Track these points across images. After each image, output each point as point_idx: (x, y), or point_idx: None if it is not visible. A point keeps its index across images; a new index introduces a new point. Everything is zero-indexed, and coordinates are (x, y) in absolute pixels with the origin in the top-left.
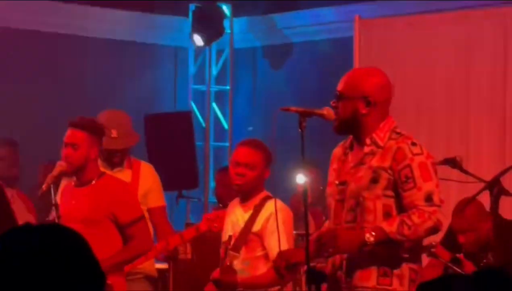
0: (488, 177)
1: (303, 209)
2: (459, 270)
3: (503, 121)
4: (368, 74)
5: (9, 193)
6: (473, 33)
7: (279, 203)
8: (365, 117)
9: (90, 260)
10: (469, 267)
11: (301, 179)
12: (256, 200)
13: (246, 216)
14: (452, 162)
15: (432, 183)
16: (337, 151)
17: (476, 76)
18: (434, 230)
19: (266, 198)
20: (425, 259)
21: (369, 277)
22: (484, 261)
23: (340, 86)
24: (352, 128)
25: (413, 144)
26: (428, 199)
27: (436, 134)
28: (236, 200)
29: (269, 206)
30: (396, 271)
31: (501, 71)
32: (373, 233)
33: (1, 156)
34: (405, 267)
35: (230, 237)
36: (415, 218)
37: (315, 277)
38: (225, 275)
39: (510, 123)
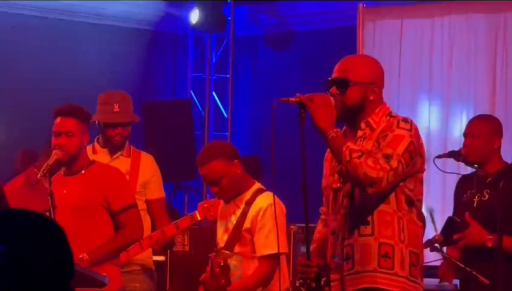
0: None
1: None
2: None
3: (504, 115)
4: (370, 61)
5: None
6: (474, 22)
7: (271, 197)
8: (369, 104)
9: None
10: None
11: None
12: (248, 194)
13: (238, 212)
14: (457, 155)
15: (395, 150)
16: None
17: (478, 67)
18: (371, 182)
19: (258, 192)
20: (428, 254)
21: (370, 260)
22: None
23: (344, 73)
24: (354, 115)
25: (404, 120)
26: (387, 157)
27: (435, 123)
28: None
29: (259, 202)
30: (397, 254)
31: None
32: (338, 133)
33: None
34: (406, 251)
35: (219, 250)
36: (369, 161)
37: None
38: (214, 281)
39: (511, 118)
